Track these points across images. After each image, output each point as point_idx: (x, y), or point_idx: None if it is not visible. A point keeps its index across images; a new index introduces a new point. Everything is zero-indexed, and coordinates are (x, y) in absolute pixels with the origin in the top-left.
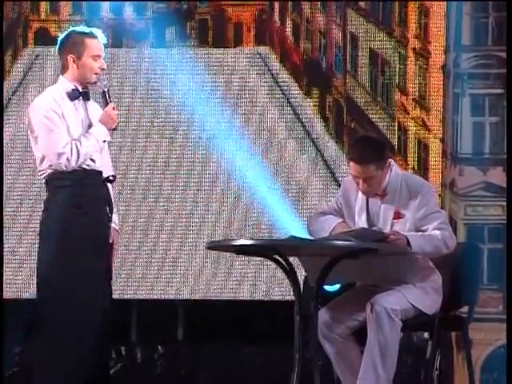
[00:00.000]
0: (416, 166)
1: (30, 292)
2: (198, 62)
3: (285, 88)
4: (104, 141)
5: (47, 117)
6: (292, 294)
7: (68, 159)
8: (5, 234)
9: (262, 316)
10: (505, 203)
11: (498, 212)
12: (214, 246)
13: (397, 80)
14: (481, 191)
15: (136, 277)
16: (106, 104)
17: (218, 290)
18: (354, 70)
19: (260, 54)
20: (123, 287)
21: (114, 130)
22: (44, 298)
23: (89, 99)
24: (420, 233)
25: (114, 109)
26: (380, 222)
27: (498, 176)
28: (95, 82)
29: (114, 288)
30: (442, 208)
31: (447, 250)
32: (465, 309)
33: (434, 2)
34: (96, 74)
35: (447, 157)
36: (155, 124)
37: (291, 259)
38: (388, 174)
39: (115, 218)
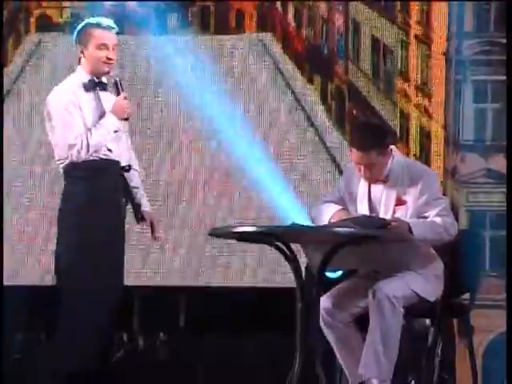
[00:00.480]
0: (418, 153)
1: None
2: (200, 48)
3: (287, 75)
4: (115, 131)
5: (65, 108)
6: (294, 280)
7: (78, 151)
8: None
9: (264, 303)
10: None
11: (499, 199)
12: (215, 233)
13: (399, 67)
14: (482, 178)
15: (138, 264)
16: (118, 94)
17: (219, 277)
18: (356, 57)
19: (262, 40)
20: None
21: (126, 119)
22: (60, 285)
23: (105, 89)
24: (422, 219)
25: (125, 99)
26: (382, 209)
27: (499, 163)
28: (108, 72)
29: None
30: (444, 195)
31: (449, 237)
32: (467, 295)
33: None
34: (104, 63)
35: (449, 143)
36: (155, 110)
37: (293, 246)
38: (390, 160)
39: (145, 202)
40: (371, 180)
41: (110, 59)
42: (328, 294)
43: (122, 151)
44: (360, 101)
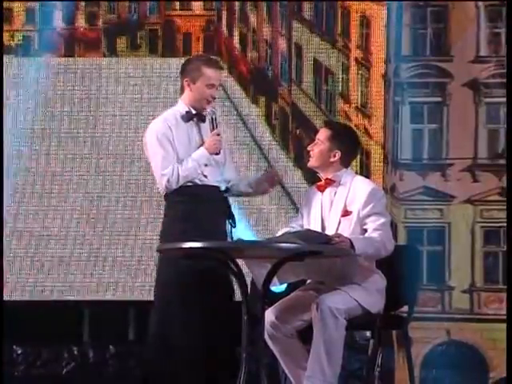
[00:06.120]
0: (358, 171)
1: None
2: (148, 70)
3: (232, 96)
4: (206, 164)
5: (158, 140)
6: (239, 294)
7: (168, 180)
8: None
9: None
10: (443, 207)
11: (436, 215)
12: (163, 249)
13: (340, 89)
14: (420, 195)
15: (88, 279)
16: (213, 130)
17: None
18: (298, 79)
19: None
20: (76, 289)
21: (217, 154)
22: (160, 303)
23: (203, 121)
24: (362, 236)
25: (218, 135)
26: (330, 218)
27: (436, 181)
28: (205, 108)
29: (66, 290)
30: None
31: (385, 253)
32: (405, 308)
33: (374, 14)
34: (207, 101)
35: (388, 162)
36: (107, 131)
37: (239, 261)
38: (343, 169)
39: (244, 186)
40: (311, 162)
41: (213, 98)
42: (272, 307)
43: (219, 175)
44: (303, 121)
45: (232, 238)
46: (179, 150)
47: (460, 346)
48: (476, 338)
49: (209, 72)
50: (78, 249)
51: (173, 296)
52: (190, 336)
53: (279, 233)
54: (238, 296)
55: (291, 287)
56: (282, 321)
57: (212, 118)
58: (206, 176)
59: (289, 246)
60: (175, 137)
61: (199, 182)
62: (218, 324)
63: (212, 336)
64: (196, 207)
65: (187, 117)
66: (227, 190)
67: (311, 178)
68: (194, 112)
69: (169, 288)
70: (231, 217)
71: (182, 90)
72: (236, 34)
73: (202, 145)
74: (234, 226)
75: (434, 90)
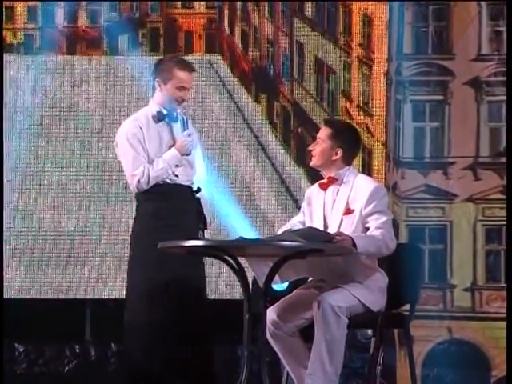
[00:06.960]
0: (360, 170)
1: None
2: (150, 68)
3: (234, 95)
4: (177, 165)
5: (128, 141)
6: (241, 293)
7: (139, 181)
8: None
9: (213, 314)
10: (445, 205)
11: (437, 214)
12: (165, 247)
13: (341, 87)
14: (422, 194)
15: (90, 277)
16: (184, 131)
17: None
18: (300, 78)
19: (210, 61)
20: (78, 287)
21: (188, 155)
22: (130, 301)
23: (175, 121)
24: (363, 234)
25: (189, 136)
26: (332, 217)
27: (437, 179)
28: (176, 109)
29: (67, 288)
30: None
31: (387, 251)
32: (407, 306)
33: (376, 13)
34: (178, 102)
35: (390, 161)
36: (108, 129)
37: (240, 260)
38: (346, 167)
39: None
40: (312, 160)
41: (184, 100)
42: (274, 306)
43: (191, 175)
44: (304, 120)
45: (203, 237)
46: (150, 151)
47: (462, 345)
48: (478, 336)
49: (180, 74)
50: (80, 247)
51: (142, 295)
52: (159, 335)
53: (281, 231)
54: (239, 294)
55: (292, 285)
56: (283, 319)
57: (183, 119)
58: (176, 175)
59: (290, 244)
60: (146, 137)
61: (170, 182)
62: (187, 323)
63: (181, 335)
64: (166, 205)
65: (158, 117)
66: (199, 189)
67: (313, 176)
68: (165, 112)
69: (138, 287)
70: (202, 217)
71: (154, 90)
72: (237, 32)
73: (173, 145)
74: (205, 228)
75: (436, 88)
